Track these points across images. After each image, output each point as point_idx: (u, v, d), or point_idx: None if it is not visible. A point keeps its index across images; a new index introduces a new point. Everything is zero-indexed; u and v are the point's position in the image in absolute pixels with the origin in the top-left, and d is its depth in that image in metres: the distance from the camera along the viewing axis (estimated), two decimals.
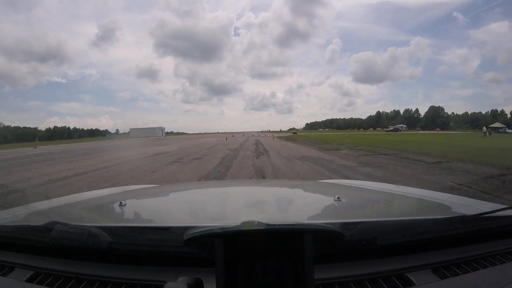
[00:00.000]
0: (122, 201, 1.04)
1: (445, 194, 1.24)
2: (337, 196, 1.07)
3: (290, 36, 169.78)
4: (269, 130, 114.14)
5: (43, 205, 1.20)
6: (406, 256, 0.67)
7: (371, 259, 0.65)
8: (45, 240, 0.68)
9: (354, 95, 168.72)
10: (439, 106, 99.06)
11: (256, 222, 0.50)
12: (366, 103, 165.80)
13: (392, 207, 1.18)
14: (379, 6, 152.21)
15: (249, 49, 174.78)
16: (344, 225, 0.62)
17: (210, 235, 0.51)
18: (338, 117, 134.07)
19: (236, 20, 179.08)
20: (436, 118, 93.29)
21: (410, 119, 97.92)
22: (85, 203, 1.25)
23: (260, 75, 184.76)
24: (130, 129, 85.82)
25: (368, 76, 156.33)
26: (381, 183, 2.06)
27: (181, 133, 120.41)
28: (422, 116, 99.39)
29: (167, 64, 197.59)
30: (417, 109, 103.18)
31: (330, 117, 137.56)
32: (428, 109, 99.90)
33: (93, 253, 0.67)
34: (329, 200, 1.19)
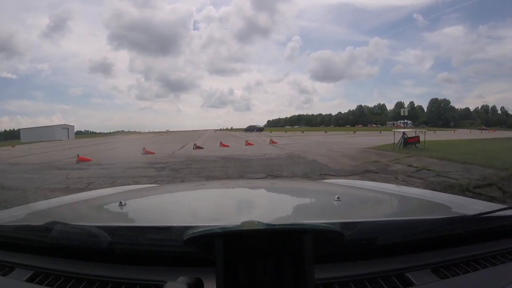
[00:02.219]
0: (122, 201, 1.04)
1: (445, 194, 1.24)
2: (337, 196, 1.07)
3: (250, 32, 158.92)
4: (231, 128, 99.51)
5: (43, 205, 1.20)
6: (406, 256, 0.67)
7: (371, 259, 0.65)
8: (45, 240, 0.68)
9: (311, 92, 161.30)
10: (445, 99, 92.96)
11: (256, 222, 0.50)
12: (323, 100, 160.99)
13: (392, 207, 1.18)
14: (339, 7, 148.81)
15: (208, 43, 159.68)
16: (344, 225, 0.62)
17: (210, 235, 0.51)
18: (301, 113, 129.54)
19: (196, 13, 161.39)
20: (445, 113, 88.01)
21: (398, 113, 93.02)
22: (85, 203, 1.25)
23: (218, 71, 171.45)
24: (21, 129, 61.38)
25: (326, 74, 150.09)
26: (381, 183, 2.06)
27: (134, 131, 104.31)
28: (425, 111, 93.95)
29: (122, 57, 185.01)
30: (411, 102, 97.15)
31: (290, 115, 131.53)
32: (429, 102, 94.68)
33: (93, 253, 0.67)
34: (329, 200, 1.19)
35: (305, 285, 0.50)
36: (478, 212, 0.77)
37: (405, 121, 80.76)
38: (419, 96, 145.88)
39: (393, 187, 1.65)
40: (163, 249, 0.64)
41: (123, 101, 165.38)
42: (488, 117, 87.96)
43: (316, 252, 0.50)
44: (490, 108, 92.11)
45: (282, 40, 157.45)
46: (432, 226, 0.70)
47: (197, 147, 15.48)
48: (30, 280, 0.66)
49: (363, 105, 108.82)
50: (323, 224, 0.53)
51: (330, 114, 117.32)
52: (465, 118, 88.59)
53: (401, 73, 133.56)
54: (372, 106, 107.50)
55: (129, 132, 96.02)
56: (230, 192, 1.54)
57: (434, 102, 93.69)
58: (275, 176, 6.80)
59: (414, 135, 13.29)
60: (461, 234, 0.71)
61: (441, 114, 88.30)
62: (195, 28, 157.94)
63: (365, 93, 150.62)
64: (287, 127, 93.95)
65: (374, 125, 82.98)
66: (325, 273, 0.60)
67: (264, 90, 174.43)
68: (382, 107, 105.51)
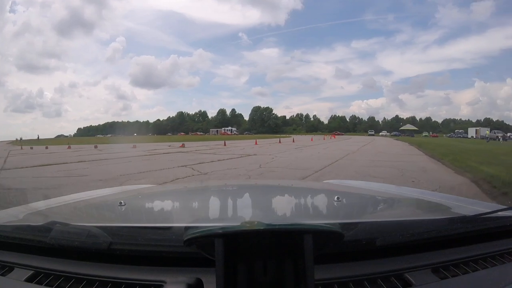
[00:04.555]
0: (122, 201, 1.04)
1: (445, 194, 1.25)
2: (337, 197, 1.07)
3: (73, 24, 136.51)
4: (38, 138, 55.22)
5: (42, 205, 1.20)
6: (405, 257, 0.67)
7: (371, 259, 0.65)
8: (45, 240, 0.68)
9: (130, 99, 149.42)
10: (268, 107, 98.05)
11: (256, 222, 0.50)
12: (142, 108, 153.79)
13: (392, 208, 1.18)
14: (169, 15, 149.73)
15: (23, 31, 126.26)
16: (344, 225, 0.62)
17: (210, 235, 0.51)
18: (115, 121, 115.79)
19: None
20: (268, 120, 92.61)
21: (222, 120, 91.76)
22: (85, 203, 1.25)
23: (29, 67, 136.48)
24: None
25: (147, 80, 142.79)
26: (381, 184, 2.06)
27: None
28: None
29: None
30: (233, 110, 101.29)
31: (104, 122, 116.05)
32: (252, 110, 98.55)
33: (93, 253, 0.67)
34: (329, 200, 1.20)
35: (305, 285, 0.50)
36: (478, 212, 0.77)
37: (230, 128, 78.06)
38: (235, 106, 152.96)
39: (393, 187, 1.65)
40: (163, 249, 0.64)
41: None
42: (302, 123, 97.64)
43: (316, 252, 0.50)
44: (304, 116, 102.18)
45: (106, 39, 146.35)
46: (432, 226, 0.70)
47: None
48: (30, 280, 0.65)
49: (184, 112, 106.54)
50: (323, 224, 0.53)
51: (148, 121, 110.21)
52: (286, 125, 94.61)
53: (220, 85, 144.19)
54: (193, 114, 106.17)
55: None
56: (230, 192, 1.53)
57: (256, 110, 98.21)
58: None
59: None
60: (461, 234, 0.71)
61: (264, 121, 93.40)
62: (12, 10, 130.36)
63: (184, 102, 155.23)
64: (98, 136, 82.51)
65: (199, 133, 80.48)
66: (325, 273, 0.60)
67: (79, 93, 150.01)
68: (203, 115, 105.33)
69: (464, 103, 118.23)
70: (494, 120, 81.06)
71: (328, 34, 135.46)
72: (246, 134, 67.53)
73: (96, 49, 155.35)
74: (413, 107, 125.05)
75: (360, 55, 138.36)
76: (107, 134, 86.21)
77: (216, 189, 1.69)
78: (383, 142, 25.93)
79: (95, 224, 0.72)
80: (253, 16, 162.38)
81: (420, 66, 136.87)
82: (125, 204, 1.03)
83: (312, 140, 29.87)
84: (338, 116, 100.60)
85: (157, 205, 1.26)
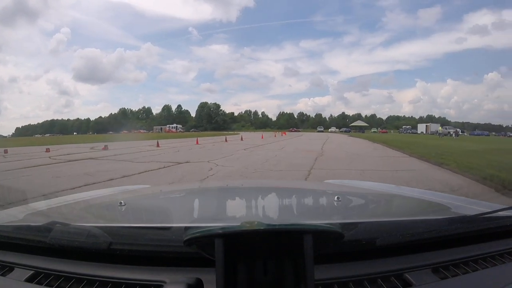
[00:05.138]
0: (122, 201, 1.04)
1: (445, 194, 1.24)
2: (337, 197, 1.07)
3: (17, 12, 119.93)
4: None
5: (43, 205, 1.20)
6: (405, 257, 0.67)
7: (371, 259, 0.65)
8: (45, 240, 0.68)
9: (73, 94, 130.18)
10: (215, 103, 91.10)
11: (256, 222, 0.50)
12: (85, 104, 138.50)
13: (392, 208, 1.18)
14: (118, 6, 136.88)
15: None
16: (344, 225, 0.62)
17: (210, 235, 0.51)
18: (55, 119, 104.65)
19: None
20: (216, 117, 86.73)
21: (166, 117, 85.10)
22: (85, 203, 1.25)
23: None
24: None
25: (91, 75, 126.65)
26: (381, 184, 2.06)
27: None
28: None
29: None
30: (179, 106, 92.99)
31: (44, 120, 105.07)
32: (198, 106, 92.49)
33: (93, 253, 0.67)
34: (329, 200, 1.20)
35: (305, 285, 0.50)
36: (478, 212, 0.77)
37: (175, 125, 71.08)
38: (182, 103, 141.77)
39: (393, 187, 1.65)
40: (163, 249, 0.64)
41: None
42: (250, 120, 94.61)
43: (316, 252, 0.50)
44: (252, 112, 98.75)
45: (50, 29, 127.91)
46: (432, 226, 0.70)
47: None
48: (30, 280, 0.65)
49: (126, 108, 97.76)
50: (323, 224, 0.53)
51: (89, 118, 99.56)
52: (235, 121, 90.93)
53: (168, 80, 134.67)
54: (136, 110, 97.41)
55: None
56: (230, 192, 1.53)
57: (203, 106, 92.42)
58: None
59: None
60: (461, 234, 0.71)
61: (211, 118, 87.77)
62: None
63: (130, 98, 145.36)
64: (36, 136, 73.83)
65: (142, 131, 71.56)
66: (325, 273, 0.60)
67: (19, 89, 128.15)
68: (147, 111, 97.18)
69: (406, 101, 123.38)
70: (437, 117, 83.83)
71: (278, 33, 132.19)
72: (192, 131, 63.38)
73: (39, 41, 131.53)
74: (358, 104, 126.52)
75: (308, 54, 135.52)
76: (45, 134, 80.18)
77: (216, 189, 1.70)
78: (342, 140, 23.15)
79: (95, 224, 0.72)
80: (205, 11, 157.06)
81: (366, 66, 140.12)
82: (125, 204, 1.03)
83: (262, 137, 25.99)
84: (286, 113, 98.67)
85: (157, 205, 1.26)
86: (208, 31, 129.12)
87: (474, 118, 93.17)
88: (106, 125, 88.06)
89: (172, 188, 2.18)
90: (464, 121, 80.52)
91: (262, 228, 0.49)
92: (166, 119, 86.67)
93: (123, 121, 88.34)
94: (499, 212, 0.78)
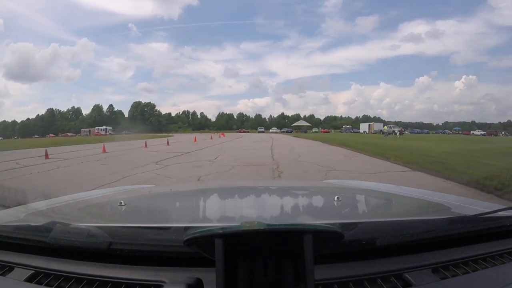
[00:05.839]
0: (122, 201, 1.04)
1: (445, 194, 1.24)
2: (337, 197, 1.07)
3: None
4: None
5: (43, 205, 1.20)
6: (405, 257, 0.67)
7: (371, 259, 0.65)
8: (45, 240, 0.68)
9: (3, 94, 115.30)
10: (150, 103, 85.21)
11: (256, 222, 0.50)
12: (16, 105, 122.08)
13: (392, 207, 1.18)
14: None
15: None
16: (344, 225, 0.62)
17: (210, 235, 0.51)
18: None
19: None
20: (150, 118, 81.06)
21: (96, 119, 78.18)
22: (85, 203, 1.25)
23: None
24: None
25: (23, 72, 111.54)
26: (381, 184, 2.06)
27: None
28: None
29: None
30: (111, 106, 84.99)
31: None
32: (131, 106, 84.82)
33: (93, 253, 0.67)
34: (329, 200, 1.20)
35: (305, 285, 0.50)
36: (478, 212, 0.77)
37: (105, 127, 65.02)
38: (118, 103, 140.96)
39: (393, 187, 1.65)
40: (163, 249, 0.64)
41: None
42: (188, 121, 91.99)
43: (316, 252, 0.50)
44: (191, 113, 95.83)
45: None
46: (432, 226, 0.70)
47: None
48: (30, 280, 0.65)
49: (54, 109, 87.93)
50: (323, 224, 0.53)
51: (15, 121, 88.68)
52: (172, 122, 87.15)
53: (102, 79, 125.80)
54: (65, 111, 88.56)
55: None
56: (230, 192, 1.53)
57: (136, 106, 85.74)
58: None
59: None
60: (460, 235, 0.71)
61: (146, 119, 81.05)
62: None
63: (63, 98, 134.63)
64: None
65: (69, 134, 66.74)
66: (325, 273, 0.60)
67: None
68: (76, 111, 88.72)
69: (341, 103, 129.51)
70: (372, 117, 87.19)
71: (220, 33, 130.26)
72: (124, 133, 55.34)
73: None
74: (295, 106, 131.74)
75: (248, 56, 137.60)
76: None
77: (216, 189, 1.70)
78: (290, 142, 19.88)
79: (95, 224, 0.72)
80: (146, 7, 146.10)
81: (303, 69, 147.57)
82: (125, 204, 1.03)
83: (195, 140, 20.85)
84: (226, 113, 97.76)
85: (157, 205, 1.26)
86: (148, 28, 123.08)
87: (405, 118, 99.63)
88: (33, 127, 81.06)
89: (172, 188, 2.18)
90: (397, 120, 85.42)
91: (262, 228, 0.49)
92: (95, 121, 78.95)
93: (50, 123, 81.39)
94: (499, 212, 0.78)
